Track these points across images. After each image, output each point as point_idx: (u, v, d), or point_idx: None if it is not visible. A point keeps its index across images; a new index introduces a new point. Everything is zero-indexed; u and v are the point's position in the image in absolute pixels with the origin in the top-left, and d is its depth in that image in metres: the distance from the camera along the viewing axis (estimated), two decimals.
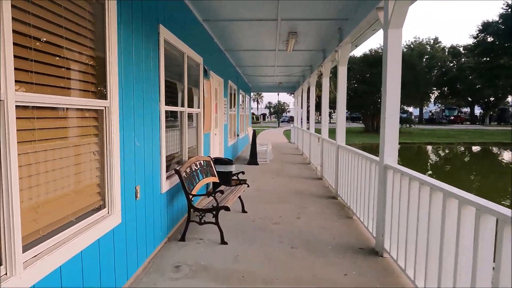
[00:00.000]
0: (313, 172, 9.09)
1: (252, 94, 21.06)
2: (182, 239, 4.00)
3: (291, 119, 71.25)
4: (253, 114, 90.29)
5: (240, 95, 13.02)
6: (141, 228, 3.29)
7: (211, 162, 5.29)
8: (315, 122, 11.01)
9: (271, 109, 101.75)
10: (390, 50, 3.45)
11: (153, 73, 3.57)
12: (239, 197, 5.22)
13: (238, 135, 12.10)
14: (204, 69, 6.11)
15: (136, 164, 3.15)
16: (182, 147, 4.88)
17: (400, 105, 3.58)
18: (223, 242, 3.93)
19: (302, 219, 4.96)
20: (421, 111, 57.87)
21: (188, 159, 4.95)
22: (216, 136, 7.98)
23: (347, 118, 60.49)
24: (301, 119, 16.04)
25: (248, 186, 5.27)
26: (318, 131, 9.47)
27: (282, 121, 66.45)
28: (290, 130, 28.52)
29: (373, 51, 38.19)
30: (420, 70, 40.73)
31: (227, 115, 9.35)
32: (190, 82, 5.22)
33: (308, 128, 11.44)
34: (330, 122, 8.80)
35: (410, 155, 20.72)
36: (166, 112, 4.12)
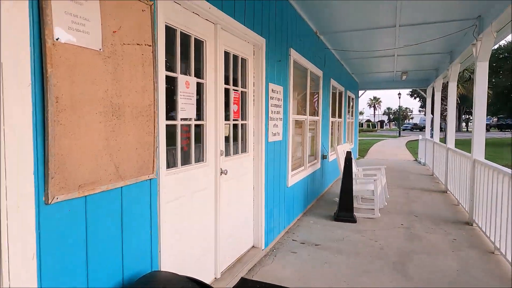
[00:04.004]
0: (492, 258, 3.48)
1: (367, 98, 15.16)
2: None
3: (414, 127, 60.23)
4: (369, 121, 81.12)
5: (331, 90, 7.77)
6: None
7: None
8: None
9: (390, 115, 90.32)
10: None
11: None
12: None
13: (325, 157, 7.00)
14: None
15: None
16: None
17: None
18: None
19: None
20: None
21: None
22: (233, 180, 3.19)
23: (492, 126, 47.53)
24: (440, 127, 9.94)
25: None
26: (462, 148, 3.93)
27: (403, 129, 56.33)
28: (416, 141, 20.95)
29: None
30: None
31: (284, 122, 4.46)
32: None
33: (470, 151, 5.58)
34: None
35: None
36: None
